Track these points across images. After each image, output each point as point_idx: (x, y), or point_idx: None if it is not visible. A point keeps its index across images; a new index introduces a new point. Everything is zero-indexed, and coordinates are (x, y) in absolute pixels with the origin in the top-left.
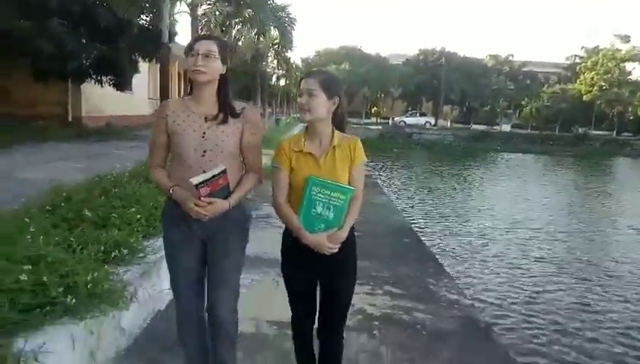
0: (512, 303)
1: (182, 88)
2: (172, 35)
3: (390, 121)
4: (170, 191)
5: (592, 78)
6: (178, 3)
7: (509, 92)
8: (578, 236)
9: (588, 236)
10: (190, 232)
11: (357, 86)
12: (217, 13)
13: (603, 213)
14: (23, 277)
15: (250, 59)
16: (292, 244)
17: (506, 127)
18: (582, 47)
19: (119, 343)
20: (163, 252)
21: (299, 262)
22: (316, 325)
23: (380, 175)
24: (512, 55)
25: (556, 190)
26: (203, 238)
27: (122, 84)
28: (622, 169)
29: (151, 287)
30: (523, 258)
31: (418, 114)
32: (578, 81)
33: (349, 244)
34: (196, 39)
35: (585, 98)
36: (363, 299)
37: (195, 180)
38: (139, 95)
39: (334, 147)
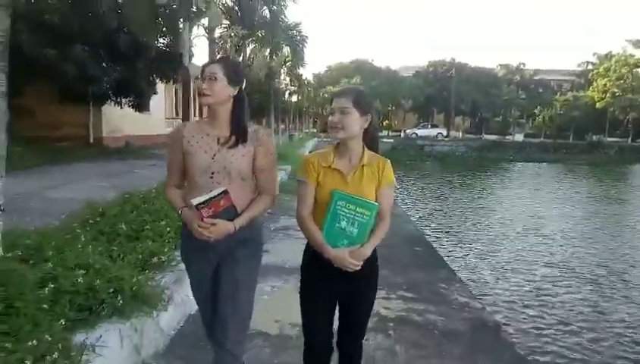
0: (523, 306)
1: (197, 107)
2: (190, 57)
3: (402, 134)
4: (180, 212)
5: (605, 85)
6: (196, 27)
7: (521, 101)
8: (588, 242)
9: (599, 242)
10: (203, 253)
11: None
12: (232, 35)
13: (617, 219)
14: (80, 280)
15: (264, 77)
16: (312, 260)
17: (518, 137)
18: (594, 53)
19: (158, 341)
20: None
21: (318, 279)
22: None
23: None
24: (524, 64)
25: (568, 198)
26: (214, 260)
27: (141, 105)
28: (638, 176)
29: (183, 293)
30: (534, 263)
31: (429, 126)
32: (590, 88)
33: (371, 265)
34: (205, 63)
35: (598, 105)
36: (379, 303)
37: (195, 201)
38: (156, 116)
39: (362, 166)
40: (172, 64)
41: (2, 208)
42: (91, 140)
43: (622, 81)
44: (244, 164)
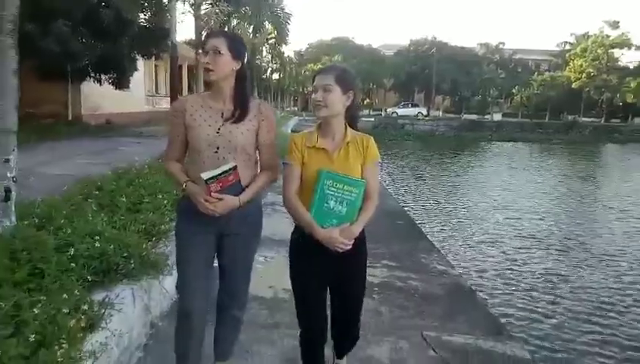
0: (495, 274)
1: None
2: (171, 32)
3: (383, 113)
4: (184, 185)
5: (581, 65)
6: (181, 4)
7: (500, 80)
8: (557, 216)
9: (567, 216)
10: (203, 227)
11: None
12: (217, 12)
13: (585, 196)
14: (97, 244)
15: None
16: (302, 243)
17: (497, 116)
18: (572, 33)
19: (163, 303)
20: None
21: (309, 262)
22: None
23: None
24: (503, 43)
25: (540, 176)
26: (216, 234)
27: (121, 82)
28: (608, 155)
29: None
30: (505, 235)
31: (410, 105)
32: (567, 68)
33: (360, 244)
34: (207, 36)
35: (574, 85)
36: None
37: (205, 176)
38: (137, 93)
39: (347, 143)
40: (155, 41)
41: (15, 179)
42: (69, 118)
43: (597, 62)
44: (248, 139)
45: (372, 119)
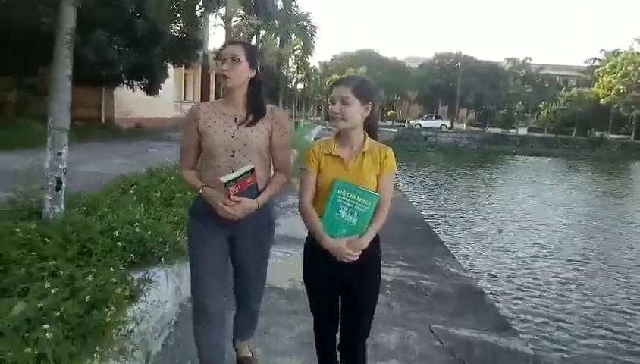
0: (507, 278)
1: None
2: (201, 43)
3: (406, 124)
4: (200, 190)
5: (610, 81)
6: (213, 17)
7: (527, 95)
8: (577, 229)
9: (581, 226)
10: (217, 229)
11: None
12: (247, 25)
13: (608, 211)
14: (137, 230)
15: (275, 66)
16: (315, 248)
17: (522, 131)
18: (602, 50)
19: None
20: None
21: (321, 266)
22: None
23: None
24: (530, 58)
25: (563, 190)
26: (230, 236)
27: (152, 88)
28: (637, 172)
29: None
30: (522, 244)
31: (433, 117)
32: (596, 84)
33: (372, 254)
34: (225, 44)
35: (602, 101)
36: None
37: (224, 179)
38: (166, 98)
39: (363, 153)
40: (185, 50)
41: (65, 171)
42: (102, 121)
43: (627, 78)
44: (262, 141)
45: (395, 130)
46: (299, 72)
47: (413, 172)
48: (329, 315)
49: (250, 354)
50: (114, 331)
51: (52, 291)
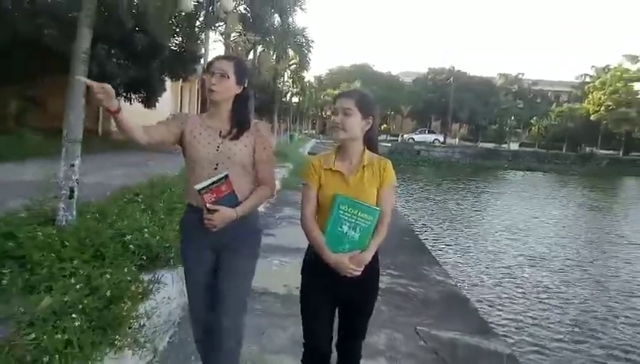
0: (492, 285)
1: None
2: (199, 57)
3: (400, 138)
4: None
5: (600, 98)
6: (213, 33)
7: (519, 110)
8: (559, 238)
9: (565, 238)
10: (203, 242)
11: None
12: (245, 41)
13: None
14: (146, 235)
15: (271, 80)
16: (314, 263)
17: (514, 146)
18: (592, 66)
19: None
20: None
21: (319, 280)
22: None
23: None
24: (523, 74)
25: (550, 204)
26: (214, 248)
27: (150, 101)
28: (624, 188)
29: None
30: (507, 254)
31: (426, 132)
32: (586, 101)
33: (372, 269)
34: (215, 58)
35: (592, 117)
36: None
37: (198, 186)
38: (163, 111)
39: (363, 167)
40: (184, 64)
41: (78, 181)
42: (99, 133)
43: (617, 95)
44: (245, 155)
45: (389, 144)
46: (295, 86)
47: (406, 185)
48: (322, 341)
49: None
50: (129, 323)
51: (77, 287)
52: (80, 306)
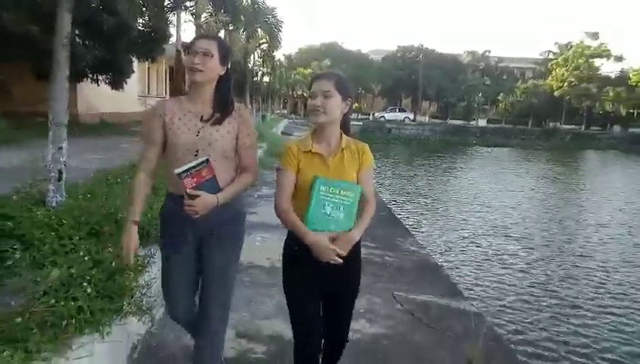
0: (458, 252)
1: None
2: (168, 37)
3: (371, 117)
4: (129, 220)
5: (563, 74)
6: (183, 13)
7: (486, 87)
8: (522, 208)
9: (528, 208)
10: (184, 233)
11: None
12: (216, 21)
13: (551, 194)
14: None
15: (242, 59)
16: (295, 253)
17: (482, 122)
18: (555, 43)
19: None
20: None
21: (302, 272)
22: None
23: None
24: (489, 51)
25: (513, 176)
26: (196, 238)
27: (117, 83)
28: (586, 161)
29: None
30: (474, 224)
31: (397, 110)
32: (550, 77)
33: (354, 256)
34: (197, 37)
35: (556, 93)
36: None
37: (178, 170)
38: (130, 93)
39: (342, 149)
40: (151, 44)
41: (65, 164)
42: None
43: (578, 71)
44: (228, 141)
45: (360, 123)
46: (265, 65)
47: (378, 163)
48: (312, 333)
49: None
50: (132, 293)
51: (85, 258)
52: (88, 277)
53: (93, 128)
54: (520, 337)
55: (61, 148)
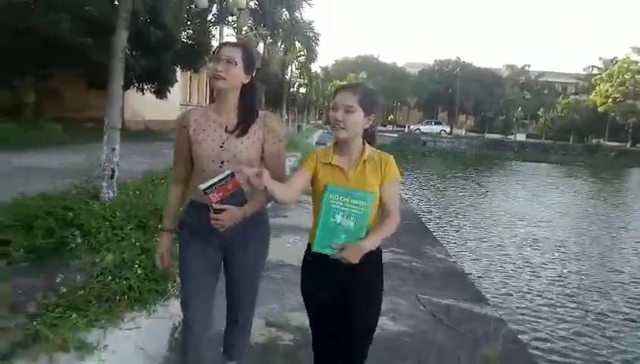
0: (487, 263)
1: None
2: (210, 49)
3: (406, 129)
4: (164, 228)
5: (607, 90)
6: (225, 27)
7: (525, 102)
8: (557, 224)
9: (564, 224)
10: (207, 241)
11: None
12: (256, 35)
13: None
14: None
15: (280, 71)
16: (312, 262)
17: (521, 137)
18: (600, 58)
19: None
20: None
21: (318, 279)
22: None
23: None
24: (529, 66)
25: (552, 192)
26: (220, 248)
27: (161, 92)
28: (631, 179)
29: None
30: (506, 238)
31: (433, 123)
32: (593, 92)
33: (369, 267)
34: (221, 44)
35: (599, 109)
36: None
37: (202, 186)
38: (173, 102)
39: (364, 161)
40: (194, 56)
41: (118, 163)
42: None
43: (624, 87)
44: (253, 152)
45: (395, 135)
46: (302, 77)
47: (411, 174)
48: (330, 335)
49: None
50: (174, 278)
51: (137, 244)
52: (137, 262)
53: (138, 134)
54: (547, 345)
55: (114, 149)
